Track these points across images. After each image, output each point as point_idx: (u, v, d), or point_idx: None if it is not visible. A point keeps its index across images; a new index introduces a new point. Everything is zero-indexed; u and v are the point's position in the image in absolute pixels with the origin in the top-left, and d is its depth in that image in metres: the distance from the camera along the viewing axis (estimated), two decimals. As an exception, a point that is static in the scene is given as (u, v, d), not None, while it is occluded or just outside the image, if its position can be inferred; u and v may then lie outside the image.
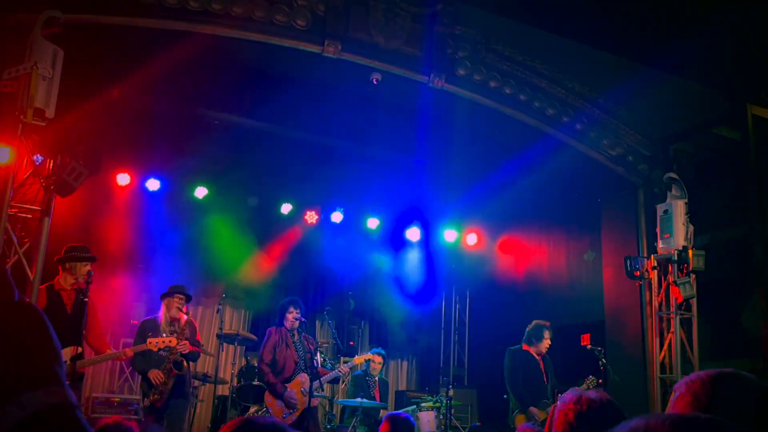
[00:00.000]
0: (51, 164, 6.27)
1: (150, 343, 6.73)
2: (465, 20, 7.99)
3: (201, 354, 7.95)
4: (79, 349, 6.28)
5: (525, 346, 7.94)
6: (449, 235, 11.94)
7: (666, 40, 7.51)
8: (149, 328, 7.22)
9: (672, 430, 0.85)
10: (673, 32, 7.40)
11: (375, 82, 8.09)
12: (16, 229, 6.21)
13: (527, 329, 8.01)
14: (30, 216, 6.26)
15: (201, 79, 8.20)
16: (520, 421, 7.50)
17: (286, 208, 10.90)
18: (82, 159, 6.14)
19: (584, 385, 7.33)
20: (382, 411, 8.56)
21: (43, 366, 1.00)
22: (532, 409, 7.47)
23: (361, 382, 8.87)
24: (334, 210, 11.25)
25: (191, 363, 7.48)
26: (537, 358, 7.90)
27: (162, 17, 6.69)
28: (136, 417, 8.32)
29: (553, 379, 7.97)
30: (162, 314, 7.28)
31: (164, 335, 7.01)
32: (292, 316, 7.70)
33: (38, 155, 6.25)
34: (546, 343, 7.90)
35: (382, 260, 11.72)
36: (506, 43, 8.28)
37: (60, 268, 6.63)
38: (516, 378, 7.73)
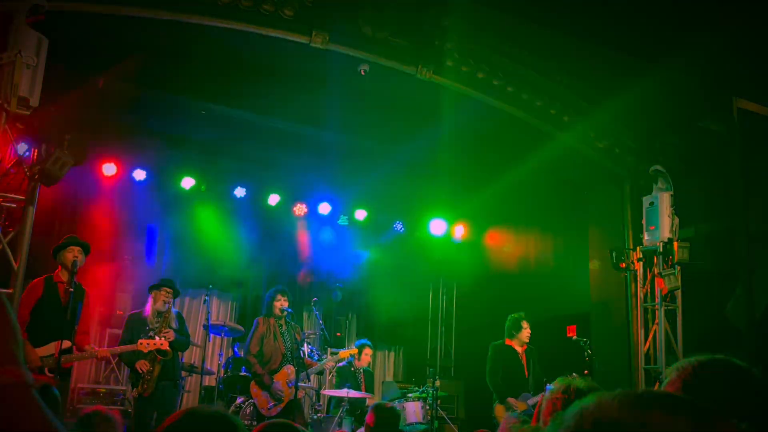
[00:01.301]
0: (35, 153, 6.22)
1: (140, 344, 6.73)
2: (453, 11, 7.97)
3: (189, 345, 7.94)
4: (67, 344, 6.27)
5: (507, 341, 8.08)
6: (437, 227, 11.95)
7: (653, 33, 7.53)
8: (136, 322, 7.21)
9: (621, 405, 0.85)
10: (660, 26, 7.43)
11: (363, 73, 8.06)
12: (0, 219, 6.17)
13: (506, 325, 8.13)
14: (14, 205, 6.22)
15: (187, 68, 8.14)
16: (499, 411, 7.66)
17: (273, 199, 10.87)
18: (67, 148, 6.09)
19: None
20: (368, 401, 8.58)
21: None
22: (510, 399, 7.67)
23: (346, 373, 8.88)
24: (322, 201, 11.23)
25: (179, 353, 7.49)
26: (519, 350, 8.03)
27: (146, 6, 6.63)
28: (122, 407, 8.31)
29: (537, 370, 8.03)
30: (149, 307, 7.27)
31: (151, 332, 7.02)
32: (280, 304, 7.70)
33: (22, 144, 6.20)
34: (526, 332, 8.03)
35: (369, 252, 11.73)
36: (494, 35, 8.27)
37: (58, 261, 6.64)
38: (495, 371, 7.92)
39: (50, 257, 6.68)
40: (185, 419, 1.62)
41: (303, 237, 11.25)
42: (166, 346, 6.84)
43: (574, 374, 7.54)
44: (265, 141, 9.66)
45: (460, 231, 12.04)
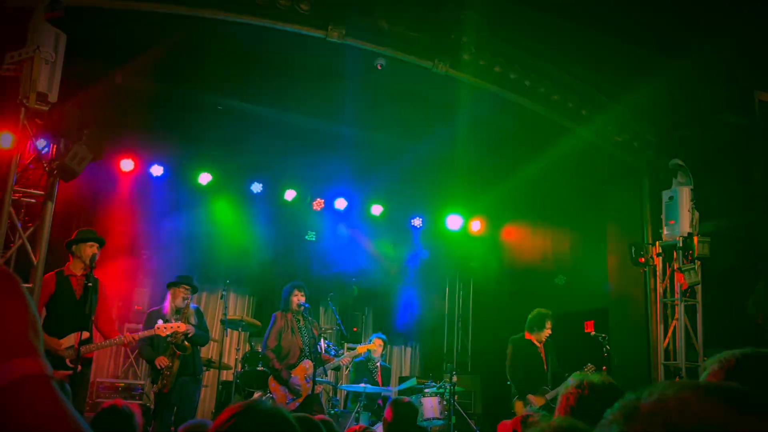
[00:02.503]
0: (54, 149, 6.25)
1: (158, 327, 6.76)
2: (470, 4, 7.91)
3: (209, 340, 7.97)
4: (86, 334, 6.32)
5: (527, 335, 8.03)
6: (454, 222, 11.92)
7: (672, 26, 7.43)
8: (156, 318, 7.25)
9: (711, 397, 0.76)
10: (680, 18, 7.33)
11: (379, 68, 8.03)
12: (19, 214, 6.21)
13: (529, 316, 8.07)
14: (33, 201, 6.26)
15: (202, 63, 8.15)
16: (518, 407, 7.63)
17: (290, 195, 10.88)
18: (86, 144, 6.11)
19: (585, 371, 7.38)
20: (393, 393, 8.57)
21: (17, 337, 0.97)
22: (530, 396, 7.62)
23: (363, 368, 8.88)
24: (339, 197, 11.23)
25: (199, 348, 7.51)
26: (538, 345, 7.98)
27: (164, 1, 6.64)
28: (140, 402, 8.36)
29: (555, 365, 8.00)
30: (168, 304, 7.31)
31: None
32: (297, 299, 7.71)
33: (41, 140, 6.24)
34: (546, 332, 8.01)
35: (386, 247, 11.72)
36: (511, 28, 8.19)
37: (70, 254, 6.66)
38: (516, 366, 7.85)
39: (66, 252, 6.71)
40: (244, 414, 1.61)
41: (319, 231, 11.26)
42: (183, 329, 6.86)
43: (589, 365, 7.55)
44: (281, 136, 9.66)
45: (477, 226, 11.99)
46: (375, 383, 8.75)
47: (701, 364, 8.25)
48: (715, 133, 8.55)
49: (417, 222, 11.98)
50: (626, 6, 7.38)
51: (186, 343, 7.05)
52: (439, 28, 7.85)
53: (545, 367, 7.94)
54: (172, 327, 6.80)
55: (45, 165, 6.17)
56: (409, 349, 12.43)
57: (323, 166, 10.46)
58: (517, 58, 8.32)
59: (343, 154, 9.94)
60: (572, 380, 2.49)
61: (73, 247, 6.63)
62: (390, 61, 7.94)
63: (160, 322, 6.86)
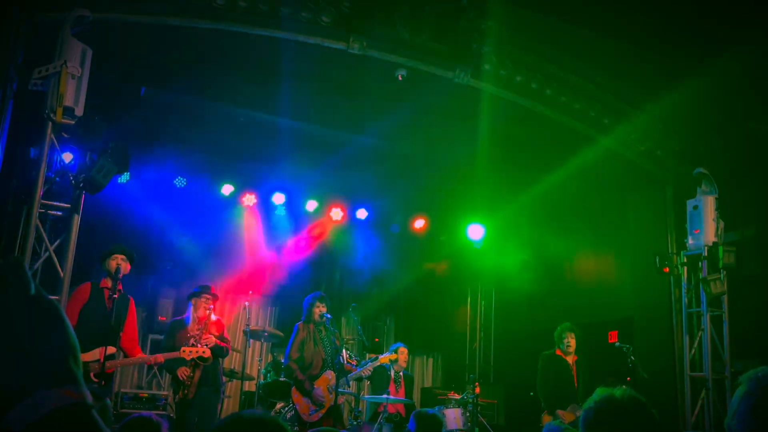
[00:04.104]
0: (80, 162, 6.31)
1: (183, 351, 6.79)
2: (491, 14, 7.90)
3: (230, 351, 7.99)
4: (112, 350, 6.38)
5: (558, 351, 7.96)
6: (475, 231, 11.87)
7: (698, 33, 7.38)
8: (178, 328, 7.29)
9: None
10: (706, 25, 7.27)
11: (400, 79, 8.04)
12: (45, 227, 6.28)
13: (554, 334, 8.04)
14: (60, 213, 6.32)
15: (227, 75, 8.21)
16: (546, 420, 7.54)
17: (311, 206, 10.92)
18: (111, 156, 6.17)
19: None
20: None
21: (58, 364, 0.97)
22: (560, 412, 7.56)
23: (386, 378, 8.83)
24: (360, 207, 11.25)
25: (220, 360, 7.54)
26: (569, 361, 7.90)
27: (188, 15, 6.71)
28: (164, 412, 8.40)
29: (587, 381, 7.92)
30: (190, 314, 7.36)
31: (192, 339, 7.08)
32: (318, 310, 7.70)
33: (67, 153, 6.31)
34: (567, 341, 7.88)
35: (407, 257, 11.70)
36: (532, 38, 8.18)
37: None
38: (546, 381, 7.79)
39: (92, 265, 6.80)
40: (231, 423, 1.61)
41: (340, 242, 11.28)
42: (208, 354, 6.90)
43: (610, 378, 7.47)
44: (303, 147, 9.68)
45: (498, 236, 11.94)
46: (396, 393, 8.71)
47: (727, 375, 8.13)
48: (739, 141, 8.47)
49: (438, 233, 11.93)
50: (648, 15, 7.34)
51: (209, 355, 7.08)
52: (460, 38, 7.83)
53: (576, 383, 7.85)
54: (197, 351, 6.83)
55: (71, 178, 6.24)
56: (430, 360, 12.38)
57: (345, 176, 10.47)
58: (538, 68, 8.30)
59: (364, 165, 9.94)
60: (595, 396, 2.46)
61: (102, 261, 6.73)
62: (410, 71, 7.95)
63: (186, 346, 6.88)
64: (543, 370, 7.91)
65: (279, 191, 10.63)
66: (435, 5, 7.69)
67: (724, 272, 8.07)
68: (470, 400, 8.48)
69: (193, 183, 10.13)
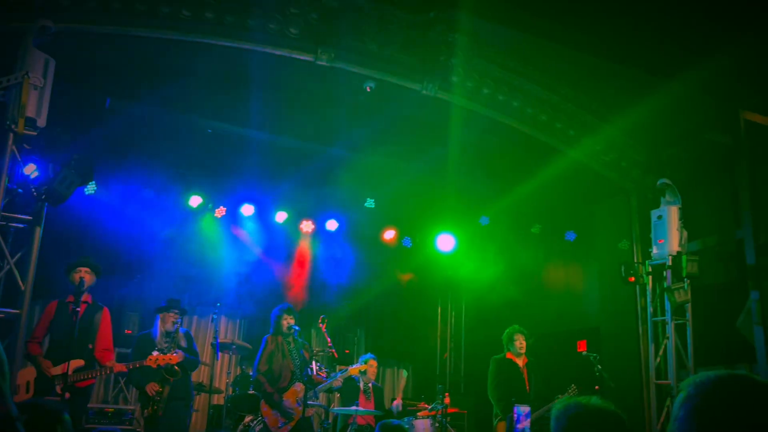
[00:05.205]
0: (43, 173, 6.24)
1: (150, 359, 6.72)
2: (459, 27, 7.97)
3: (199, 364, 7.92)
4: (79, 362, 6.36)
5: (508, 354, 7.99)
6: (445, 242, 11.89)
7: (659, 47, 7.51)
8: (146, 342, 7.22)
9: None
10: (667, 40, 7.41)
11: (368, 90, 8.07)
12: (7, 240, 6.18)
13: (503, 336, 8.07)
14: (22, 226, 6.23)
15: (192, 87, 8.17)
16: (500, 428, 7.55)
17: (281, 217, 10.88)
18: (74, 168, 6.11)
19: (569, 393, 7.41)
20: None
21: None
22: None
23: (354, 390, 8.81)
24: (329, 218, 11.23)
25: (189, 372, 7.47)
26: (519, 364, 7.92)
27: (153, 26, 6.67)
28: (131, 427, 8.29)
29: (539, 385, 7.94)
30: (158, 328, 7.29)
31: (160, 350, 7.01)
32: (286, 322, 7.68)
33: (29, 164, 6.23)
34: (518, 343, 7.91)
35: (377, 269, 11.69)
36: (499, 50, 8.25)
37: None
38: (497, 386, 7.79)
39: (58, 278, 6.74)
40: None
41: (310, 254, 11.24)
42: (176, 360, 6.84)
43: (573, 386, 7.53)
44: (272, 159, 9.66)
45: (468, 246, 11.98)
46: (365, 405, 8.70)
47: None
48: (701, 152, 8.62)
49: (407, 243, 11.94)
50: (613, 27, 7.45)
51: (176, 367, 7.01)
52: (428, 51, 7.88)
53: (527, 386, 7.87)
54: (164, 359, 6.77)
55: (33, 189, 6.16)
56: (401, 371, 12.38)
57: (315, 188, 10.46)
58: (505, 80, 8.38)
59: (333, 176, 9.94)
60: (564, 402, 2.48)
61: (68, 273, 6.69)
62: (379, 83, 7.98)
63: (154, 353, 6.81)
64: (494, 374, 7.90)
65: (248, 202, 10.58)
66: (403, 18, 7.71)
67: (688, 281, 8.19)
68: (440, 410, 8.48)
69: (161, 195, 10.04)
